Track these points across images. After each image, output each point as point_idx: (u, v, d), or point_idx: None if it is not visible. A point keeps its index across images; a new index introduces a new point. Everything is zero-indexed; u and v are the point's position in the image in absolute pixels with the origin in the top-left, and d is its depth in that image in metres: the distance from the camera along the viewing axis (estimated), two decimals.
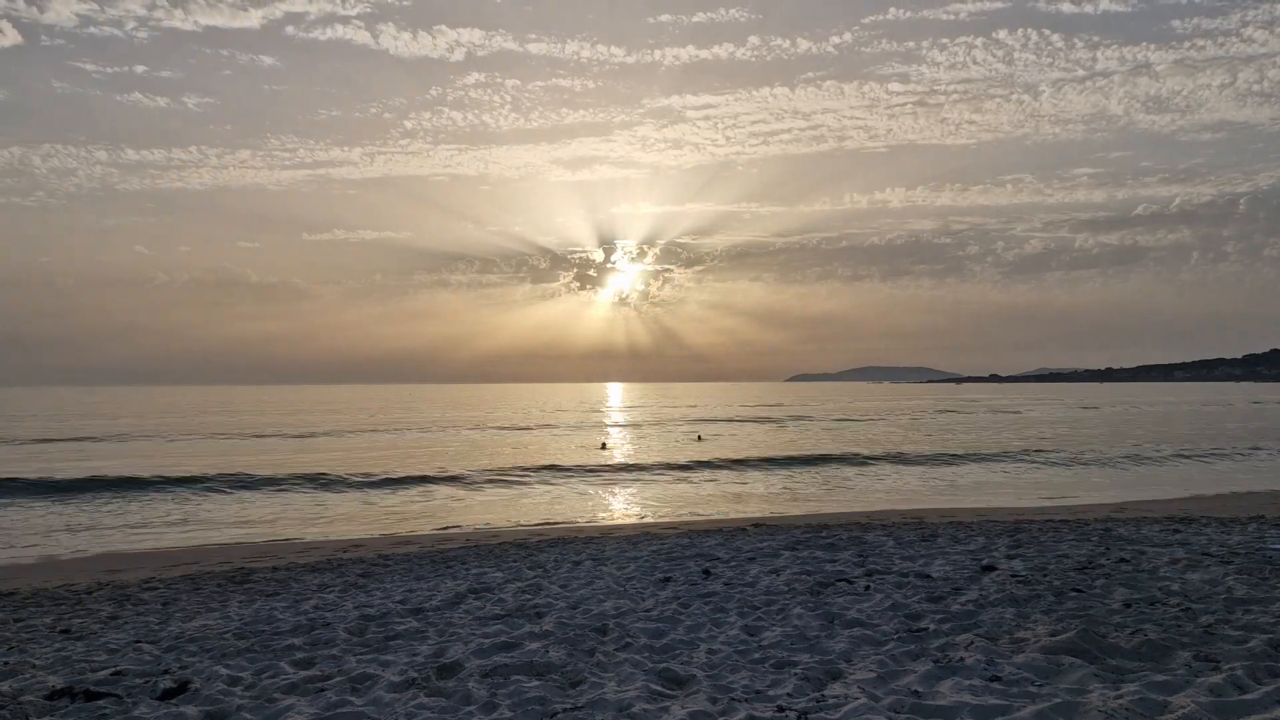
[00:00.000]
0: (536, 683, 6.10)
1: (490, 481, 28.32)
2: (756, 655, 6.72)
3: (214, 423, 68.21)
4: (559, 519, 20.36)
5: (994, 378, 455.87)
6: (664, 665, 6.46)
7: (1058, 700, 5.17)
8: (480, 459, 35.58)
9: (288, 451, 41.02)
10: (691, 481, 28.62)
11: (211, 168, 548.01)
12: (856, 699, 5.43)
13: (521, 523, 19.83)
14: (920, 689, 5.67)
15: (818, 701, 5.46)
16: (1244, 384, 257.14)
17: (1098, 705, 5.02)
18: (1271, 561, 10.20)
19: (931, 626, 7.40)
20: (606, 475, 30.26)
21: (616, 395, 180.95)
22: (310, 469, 31.00)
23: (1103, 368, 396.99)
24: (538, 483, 28.11)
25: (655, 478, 29.67)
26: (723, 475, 30.39)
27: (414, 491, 26.08)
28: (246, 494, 25.71)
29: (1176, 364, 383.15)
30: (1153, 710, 4.98)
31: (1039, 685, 5.64)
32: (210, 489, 26.28)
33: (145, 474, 28.97)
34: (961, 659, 6.28)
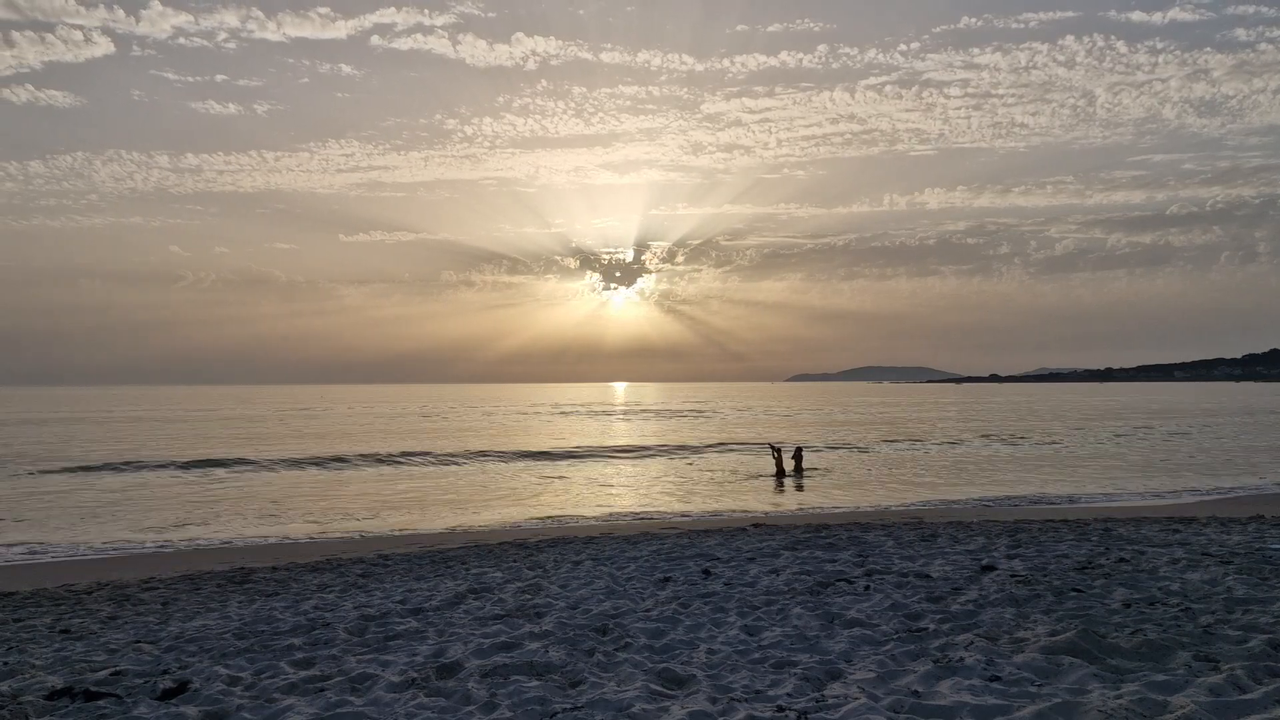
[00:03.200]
0: (536, 683, 6.10)
1: None
2: (756, 655, 6.72)
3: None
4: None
5: (994, 378, 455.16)
6: (664, 665, 6.45)
7: (1058, 700, 5.17)
8: None
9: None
10: None
11: (266, 171, 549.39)
12: (856, 699, 5.43)
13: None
14: (920, 689, 5.67)
15: (817, 701, 5.46)
16: (1244, 384, 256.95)
17: (1098, 705, 5.02)
18: (1271, 561, 10.19)
19: (931, 626, 7.39)
20: None
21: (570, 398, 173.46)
22: None
23: (1102, 368, 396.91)
24: None
25: None
26: None
27: None
28: None
29: (1176, 364, 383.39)
30: (1152, 710, 4.98)
31: (1039, 685, 5.64)
32: None
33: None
34: (961, 659, 6.28)
